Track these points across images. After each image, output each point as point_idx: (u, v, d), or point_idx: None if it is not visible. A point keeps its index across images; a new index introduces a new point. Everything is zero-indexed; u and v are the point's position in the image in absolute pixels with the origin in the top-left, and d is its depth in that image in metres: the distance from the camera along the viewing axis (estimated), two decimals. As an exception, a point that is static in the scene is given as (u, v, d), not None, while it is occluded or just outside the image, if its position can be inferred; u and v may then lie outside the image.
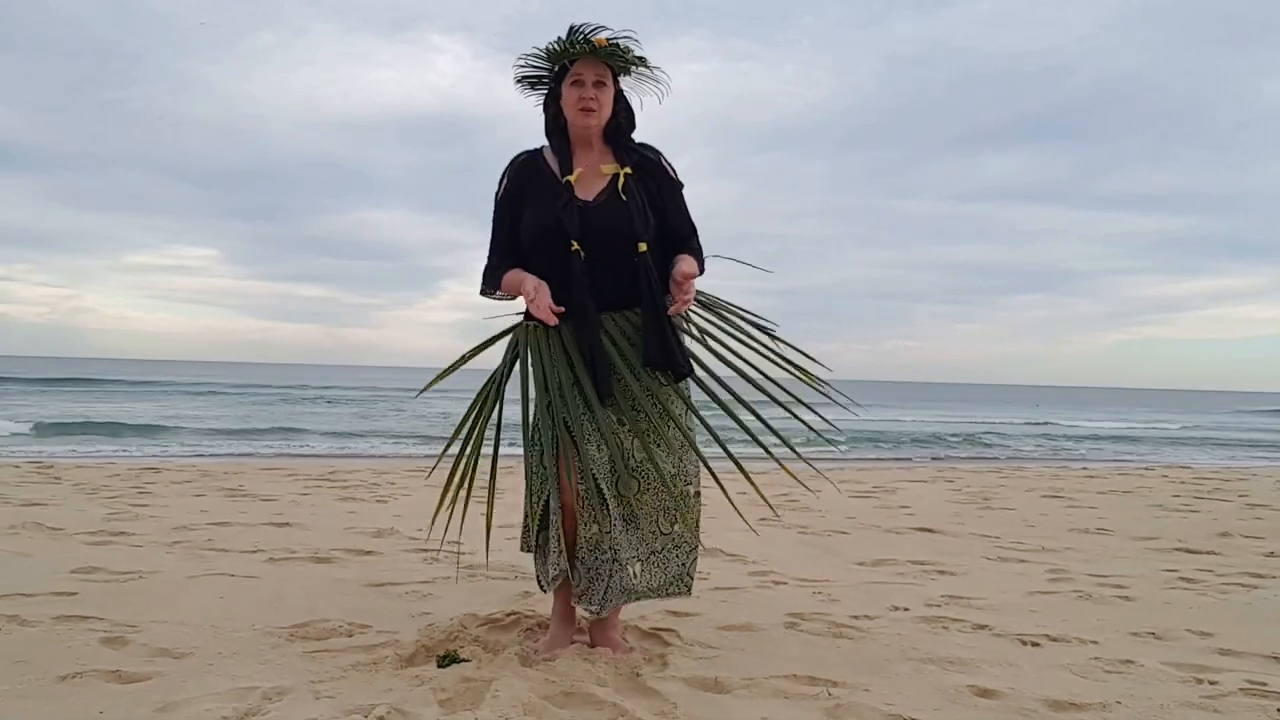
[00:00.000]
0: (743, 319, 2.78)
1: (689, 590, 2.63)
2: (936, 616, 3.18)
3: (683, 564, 2.61)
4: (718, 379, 2.68)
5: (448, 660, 2.53)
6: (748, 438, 2.61)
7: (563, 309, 2.50)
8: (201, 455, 11.42)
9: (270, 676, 2.40)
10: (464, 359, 2.71)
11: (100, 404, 23.54)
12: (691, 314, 2.75)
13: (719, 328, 2.75)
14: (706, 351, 2.71)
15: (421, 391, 2.74)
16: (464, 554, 3.87)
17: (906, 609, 3.29)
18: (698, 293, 2.76)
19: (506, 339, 2.72)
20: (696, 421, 2.66)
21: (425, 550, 4.25)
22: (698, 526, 2.63)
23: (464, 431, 2.65)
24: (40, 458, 9.62)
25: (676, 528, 2.58)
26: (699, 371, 2.63)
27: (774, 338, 2.75)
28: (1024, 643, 2.87)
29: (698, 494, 2.64)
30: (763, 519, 5.46)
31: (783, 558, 4.30)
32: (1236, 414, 43.75)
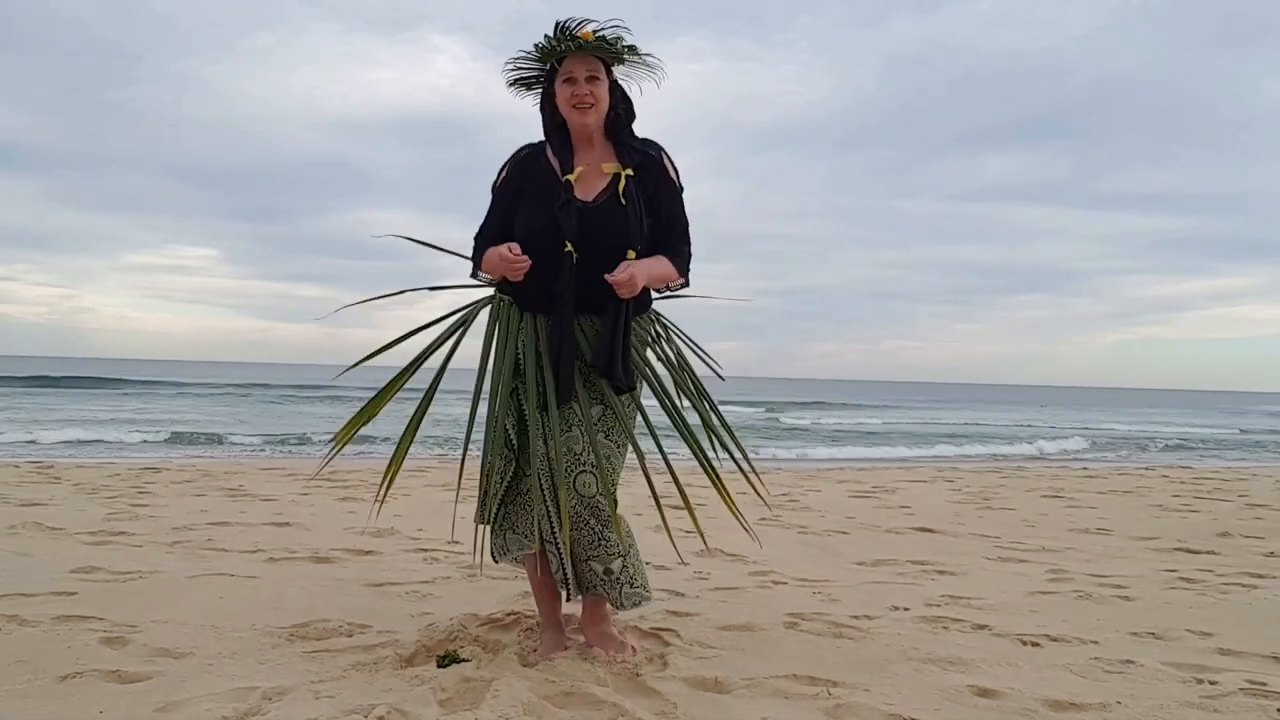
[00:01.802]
0: (693, 351, 2.76)
1: (637, 603, 2.60)
2: (936, 616, 3.18)
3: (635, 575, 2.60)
4: (669, 397, 2.66)
5: (448, 660, 2.53)
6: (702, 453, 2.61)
7: (529, 261, 2.44)
8: (202, 455, 11.43)
9: (270, 676, 2.40)
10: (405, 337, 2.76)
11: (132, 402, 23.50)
12: (648, 332, 2.70)
13: (659, 357, 2.71)
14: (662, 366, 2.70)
15: (349, 369, 2.79)
16: (464, 554, 3.86)
17: (906, 609, 3.29)
18: (657, 315, 2.74)
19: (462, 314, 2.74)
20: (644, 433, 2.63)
21: (425, 550, 4.25)
22: (628, 534, 2.59)
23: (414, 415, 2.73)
24: (41, 458, 9.62)
25: (612, 536, 2.53)
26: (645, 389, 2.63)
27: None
28: (1024, 643, 2.87)
29: (614, 502, 2.54)
30: (762, 519, 5.46)
31: (783, 558, 4.30)
32: (1267, 415, 43.19)
